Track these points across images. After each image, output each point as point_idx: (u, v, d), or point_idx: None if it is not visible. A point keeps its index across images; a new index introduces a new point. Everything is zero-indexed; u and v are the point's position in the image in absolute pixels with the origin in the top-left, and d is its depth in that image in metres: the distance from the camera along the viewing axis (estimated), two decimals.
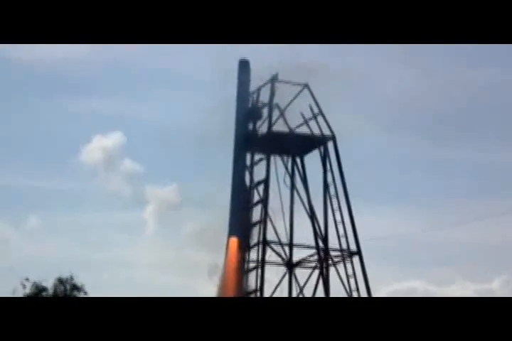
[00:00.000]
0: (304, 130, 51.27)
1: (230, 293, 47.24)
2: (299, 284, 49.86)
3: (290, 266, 49.87)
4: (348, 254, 49.73)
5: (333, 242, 50.00)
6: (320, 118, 51.05)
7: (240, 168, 49.94)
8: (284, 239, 49.86)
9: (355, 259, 49.67)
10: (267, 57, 47.25)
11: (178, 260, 46.60)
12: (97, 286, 47.10)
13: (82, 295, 44.30)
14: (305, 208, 50.68)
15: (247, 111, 50.96)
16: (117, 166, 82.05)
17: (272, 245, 49.25)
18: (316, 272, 49.83)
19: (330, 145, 51.06)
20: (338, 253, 49.96)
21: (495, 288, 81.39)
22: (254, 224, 49.58)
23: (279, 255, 49.64)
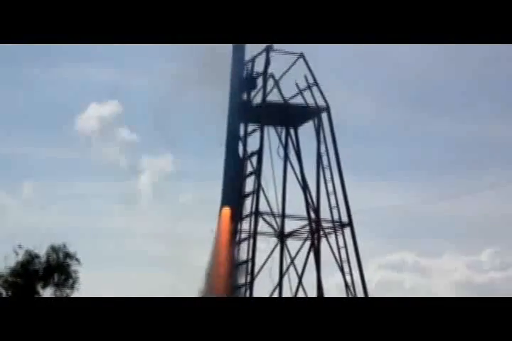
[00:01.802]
0: (298, 100, 51.04)
1: (222, 263, 47.33)
2: (290, 255, 50.05)
3: (282, 236, 50.00)
4: (339, 226, 49.82)
5: (325, 213, 50.11)
6: (315, 89, 50.78)
7: (233, 138, 49.73)
8: (276, 210, 49.94)
9: (347, 231, 49.80)
10: None
11: (172, 230, 46.61)
12: (90, 255, 47.08)
13: (74, 262, 44.28)
14: (298, 179, 50.69)
15: (242, 81, 50.58)
16: (113, 135, 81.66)
17: (264, 216, 49.34)
18: (308, 243, 49.93)
19: (324, 116, 50.87)
20: (330, 225, 50.04)
21: (484, 259, 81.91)
22: (247, 195, 49.56)
23: (271, 226, 49.74)
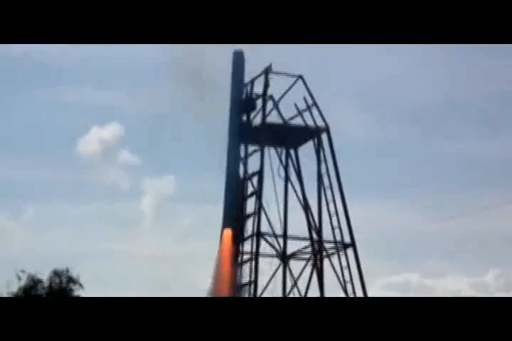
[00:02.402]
0: (298, 121, 51.15)
1: (224, 284, 47.12)
2: (293, 276, 49.80)
3: (284, 257, 49.78)
4: (342, 246, 49.64)
5: (327, 234, 49.94)
6: (314, 110, 50.92)
7: (233, 160, 49.73)
8: (278, 231, 49.81)
9: (350, 251, 49.60)
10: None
11: (174, 252, 46.50)
12: (93, 278, 46.90)
13: (77, 287, 44.14)
14: (299, 200, 50.59)
15: (241, 103, 50.71)
16: (114, 158, 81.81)
17: (266, 237, 49.17)
18: (310, 264, 49.71)
19: (324, 136, 50.93)
20: (332, 245, 49.87)
21: (488, 280, 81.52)
22: (248, 216, 49.41)
23: (273, 247, 49.54)
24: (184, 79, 47.68)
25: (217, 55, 48.18)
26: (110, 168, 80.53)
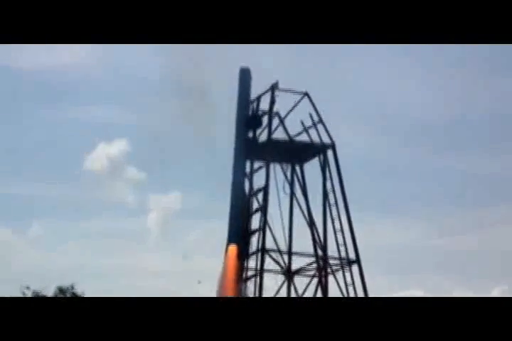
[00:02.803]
0: (303, 138, 51.35)
1: None
2: (297, 293, 49.79)
3: (289, 274, 49.82)
4: (346, 263, 49.67)
5: (332, 250, 50.02)
6: (320, 127, 51.13)
7: (239, 176, 49.90)
8: (283, 247, 49.87)
9: (354, 268, 49.65)
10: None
11: (180, 268, 46.61)
12: (98, 294, 47.03)
13: None
14: (304, 216, 50.67)
15: (247, 119, 50.98)
16: (121, 174, 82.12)
17: (271, 253, 49.21)
18: (315, 280, 49.75)
19: (329, 153, 51.11)
20: (337, 262, 49.91)
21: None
22: (253, 232, 49.49)
23: (278, 263, 49.60)
24: (188, 95, 47.98)
25: (223, 71, 48.51)
26: (116, 184, 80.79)
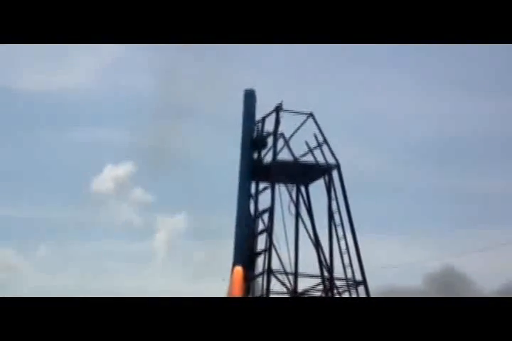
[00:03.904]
0: (308, 159, 51.39)
1: None
2: None
3: (295, 295, 49.61)
4: (353, 284, 49.51)
5: (338, 271, 49.84)
6: (325, 147, 51.19)
7: (244, 197, 49.92)
8: (289, 268, 49.69)
9: (361, 289, 49.46)
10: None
11: (186, 289, 46.54)
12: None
13: None
14: (310, 237, 50.54)
15: (252, 141, 51.11)
16: (127, 195, 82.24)
17: (277, 274, 49.04)
18: None
19: (335, 173, 51.10)
20: (344, 283, 49.73)
21: None
22: (259, 253, 49.41)
23: (284, 284, 49.43)
24: (191, 116, 48.21)
25: (228, 94, 48.72)
26: (123, 205, 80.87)
